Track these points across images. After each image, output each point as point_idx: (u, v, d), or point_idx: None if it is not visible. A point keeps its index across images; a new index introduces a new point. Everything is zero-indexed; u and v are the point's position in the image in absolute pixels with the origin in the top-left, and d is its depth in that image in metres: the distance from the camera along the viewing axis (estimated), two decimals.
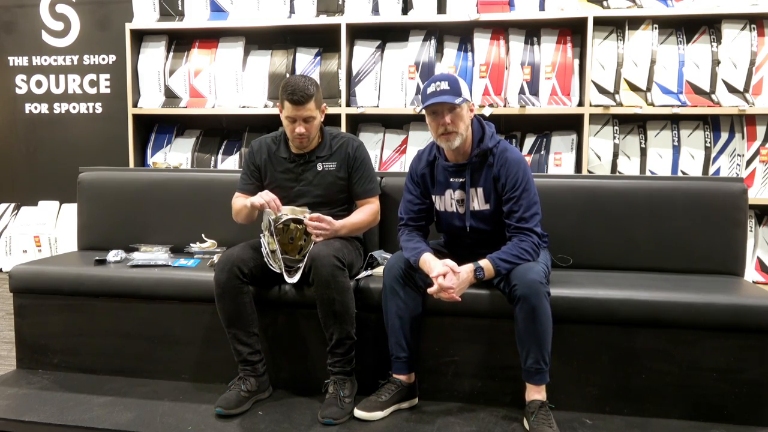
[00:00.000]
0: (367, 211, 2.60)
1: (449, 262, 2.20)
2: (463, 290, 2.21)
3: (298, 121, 2.47)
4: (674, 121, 3.94)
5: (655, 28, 3.86)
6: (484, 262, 2.22)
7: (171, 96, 4.38)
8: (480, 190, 2.32)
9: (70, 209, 4.73)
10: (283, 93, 2.49)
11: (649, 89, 3.87)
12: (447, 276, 2.16)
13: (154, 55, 4.41)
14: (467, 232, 2.37)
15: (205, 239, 2.94)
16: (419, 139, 4.14)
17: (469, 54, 4.05)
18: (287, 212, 2.41)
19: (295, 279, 2.35)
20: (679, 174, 3.86)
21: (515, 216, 2.26)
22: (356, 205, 2.65)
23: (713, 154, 3.87)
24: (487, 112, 3.88)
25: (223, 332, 2.38)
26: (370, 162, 2.66)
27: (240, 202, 2.60)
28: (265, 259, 2.38)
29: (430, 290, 2.19)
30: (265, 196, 2.41)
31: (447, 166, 2.36)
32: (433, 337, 2.40)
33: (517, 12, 3.96)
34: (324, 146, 2.60)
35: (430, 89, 2.24)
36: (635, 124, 3.99)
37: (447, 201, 2.39)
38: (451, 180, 2.36)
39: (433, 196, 2.43)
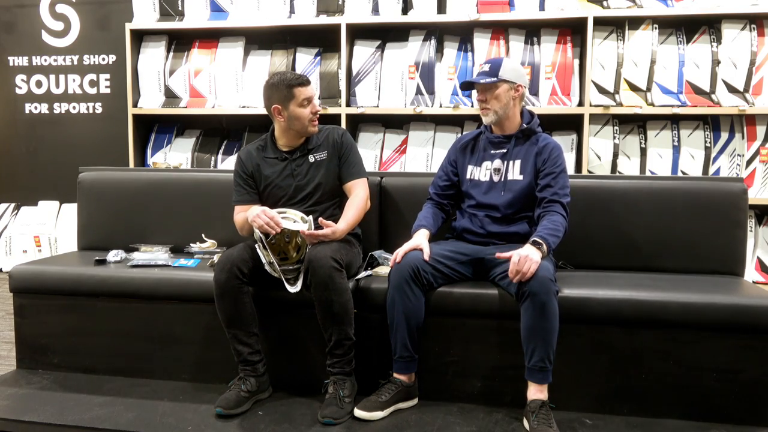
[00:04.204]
0: (356, 201, 2.56)
1: (425, 244, 2.38)
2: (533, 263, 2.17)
3: (312, 101, 2.55)
4: (674, 121, 3.94)
5: (655, 28, 3.86)
6: (535, 240, 2.25)
7: (171, 96, 4.38)
8: (518, 162, 2.49)
9: (70, 209, 4.73)
10: (286, 83, 2.51)
11: (649, 89, 3.87)
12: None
13: (154, 55, 4.42)
14: (492, 202, 2.48)
15: (205, 239, 2.94)
16: (419, 139, 4.15)
17: (469, 54, 4.05)
18: (287, 221, 2.39)
19: (297, 288, 2.35)
20: (679, 174, 3.86)
21: (550, 190, 2.40)
22: (346, 197, 2.63)
23: (713, 154, 3.88)
24: None
25: (223, 332, 2.38)
26: (356, 147, 2.69)
27: (243, 218, 2.56)
28: (265, 267, 2.38)
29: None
30: (259, 220, 2.33)
31: (492, 138, 2.55)
32: (433, 337, 2.39)
33: (517, 12, 3.96)
34: (312, 139, 2.62)
35: (476, 70, 2.46)
36: (635, 124, 4.00)
37: (482, 171, 2.54)
38: (492, 152, 2.54)
39: (468, 167, 2.57)
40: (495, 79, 2.44)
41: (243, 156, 2.66)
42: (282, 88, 2.52)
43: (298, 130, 2.57)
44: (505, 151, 2.51)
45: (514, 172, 2.48)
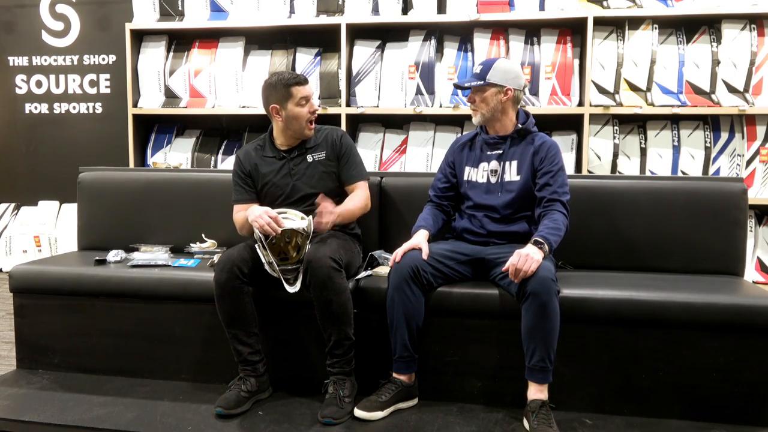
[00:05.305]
0: (358, 197, 2.58)
1: (424, 245, 2.39)
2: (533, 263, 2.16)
3: (309, 100, 2.56)
4: (674, 121, 3.94)
5: (655, 28, 3.86)
6: (536, 239, 2.24)
7: (171, 96, 4.39)
8: (514, 162, 2.49)
9: (70, 209, 4.73)
10: (284, 83, 2.51)
11: (649, 89, 3.87)
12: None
13: (154, 55, 4.42)
14: (490, 203, 2.48)
15: (205, 239, 2.94)
16: (419, 139, 4.15)
17: (469, 54, 4.05)
18: (287, 221, 2.39)
19: (296, 288, 2.35)
20: (679, 174, 3.86)
21: (549, 189, 2.40)
22: (344, 197, 2.63)
23: (713, 154, 3.88)
24: None
25: (223, 332, 2.38)
26: (356, 149, 2.70)
27: (243, 217, 2.56)
28: (265, 267, 2.38)
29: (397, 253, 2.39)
30: (260, 221, 2.33)
31: (487, 139, 2.55)
32: (433, 338, 2.39)
33: (517, 12, 3.96)
34: (310, 139, 2.63)
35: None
36: (635, 124, 4.00)
37: (479, 173, 2.54)
38: (488, 153, 2.54)
39: (466, 168, 2.57)
40: (481, 82, 2.45)
41: (241, 156, 2.67)
42: (279, 87, 2.52)
43: (296, 131, 2.57)
44: (501, 151, 2.52)
45: (511, 172, 2.48)
